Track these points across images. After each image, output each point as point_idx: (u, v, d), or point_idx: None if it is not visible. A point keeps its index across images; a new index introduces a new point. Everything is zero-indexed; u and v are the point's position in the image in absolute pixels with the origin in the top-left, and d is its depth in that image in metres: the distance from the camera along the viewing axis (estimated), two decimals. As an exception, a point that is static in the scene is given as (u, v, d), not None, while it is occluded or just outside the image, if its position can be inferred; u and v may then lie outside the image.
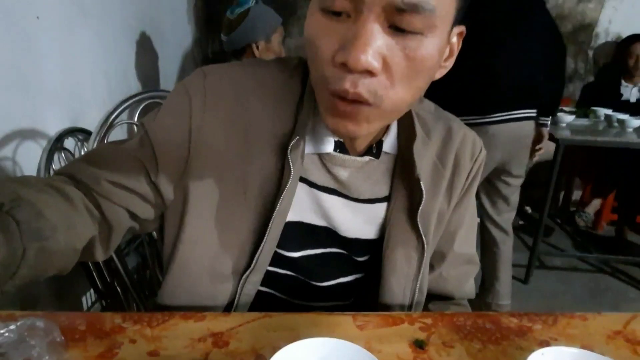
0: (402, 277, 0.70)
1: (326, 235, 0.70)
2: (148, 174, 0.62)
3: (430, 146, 0.70)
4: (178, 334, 0.62)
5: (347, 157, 0.66)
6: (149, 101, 1.12)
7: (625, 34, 3.21)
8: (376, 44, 0.47)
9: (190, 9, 2.95)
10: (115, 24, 1.86)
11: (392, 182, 0.70)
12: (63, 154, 1.44)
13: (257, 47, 1.77)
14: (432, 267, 0.78)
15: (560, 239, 3.14)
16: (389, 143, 0.68)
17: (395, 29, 0.48)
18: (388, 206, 0.70)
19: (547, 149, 2.30)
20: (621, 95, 3.11)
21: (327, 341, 0.52)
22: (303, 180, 0.67)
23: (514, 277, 2.59)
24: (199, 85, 0.62)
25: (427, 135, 0.70)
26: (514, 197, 2.10)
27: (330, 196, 0.68)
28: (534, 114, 1.89)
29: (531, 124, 1.92)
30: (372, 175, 0.69)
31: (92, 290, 1.55)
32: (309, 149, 0.66)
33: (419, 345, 0.61)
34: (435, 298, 0.80)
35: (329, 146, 0.65)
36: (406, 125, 0.68)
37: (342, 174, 0.67)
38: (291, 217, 0.67)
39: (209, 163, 0.63)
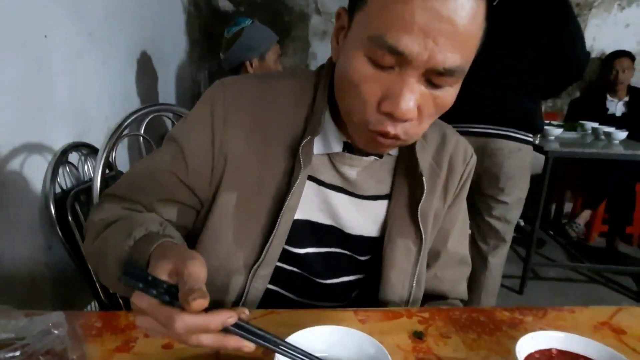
0: (401, 271, 0.75)
1: (331, 234, 0.75)
2: (183, 182, 0.71)
3: (427, 149, 0.77)
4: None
5: (355, 156, 0.72)
6: (153, 115, 1.16)
7: (609, 50, 3.33)
8: (417, 98, 0.55)
9: (189, 31, 3.03)
10: (118, 45, 1.92)
11: (394, 181, 0.76)
12: (67, 168, 1.49)
13: (251, 65, 1.83)
14: (428, 266, 0.82)
15: (553, 250, 3.19)
16: None
17: (430, 83, 0.56)
18: (389, 204, 0.76)
19: (537, 163, 2.35)
20: (607, 109, 3.21)
21: (334, 329, 0.56)
22: (312, 179, 0.72)
23: (509, 289, 2.63)
24: (219, 99, 0.70)
25: (424, 139, 0.77)
26: (501, 228, 1.92)
27: (337, 194, 0.74)
28: (505, 132, 1.74)
29: (500, 142, 1.75)
30: (376, 174, 0.75)
31: (95, 302, 1.56)
32: (318, 149, 0.71)
33: (417, 336, 0.65)
34: (431, 299, 0.85)
35: (338, 146, 0.71)
36: None
37: (350, 172, 0.73)
38: (299, 215, 0.72)
39: (231, 169, 0.70)
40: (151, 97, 2.32)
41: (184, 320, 0.44)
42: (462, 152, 0.80)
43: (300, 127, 0.70)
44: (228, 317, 0.46)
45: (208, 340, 0.46)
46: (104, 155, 1.05)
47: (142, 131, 1.21)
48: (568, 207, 3.70)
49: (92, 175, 1.60)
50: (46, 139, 1.39)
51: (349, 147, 0.71)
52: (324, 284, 0.76)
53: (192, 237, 0.74)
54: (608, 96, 3.21)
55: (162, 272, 0.48)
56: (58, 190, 1.41)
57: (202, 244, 0.72)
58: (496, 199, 1.85)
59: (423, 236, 0.74)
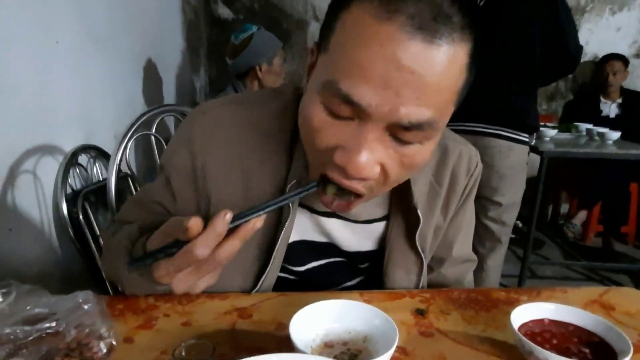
0: (401, 286, 0.77)
1: (329, 249, 0.76)
2: (170, 212, 0.72)
3: (425, 168, 0.72)
4: (206, 309, 0.69)
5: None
6: (163, 115, 1.21)
7: (601, 53, 3.40)
8: (377, 155, 0.50)
9: (189, 38, 3.09)
10: (123, 52, 1.97)
11: (390, 205, 0.74)
12: (77, 169, 1.53)
13: (260, 70, 1.90)
14: (431, 269, 0.83)
15: (550, 251, 3.24)
16: None
17: (396, 139, 0.50)
18: (387, 224, 0.75)
19: (533, 164, 2.39)
20: (601, 111, 3.27)
21: (343, 302, 0.60)
22: (303, 206, 0.72)
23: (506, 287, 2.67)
24: (198, 128, 0.68)
25: None
26: (496, 229, 1.92)
27: (330, 219, 0.72)
28: (496, 131, 1.75)
29: (491, 141, 1.76)
30: (370, 201, 0.66)
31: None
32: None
33: (420, 313, 0.70)
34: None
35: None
36: None
37: None
38: (295, 237, 0.72)
39: (214, 197, 0.69)
40: (153, 101, 2.37)
41: (197, 244, 0.45)
42: (465, 163, 0.76)
43: (285, 162, 0.67)
44: (224, 215, 0.46)
45: (231, 246, 0.47)
46: (119, 153, 1.09)
47: (153, 130, 1.26)
48: (564, 208, 3.75)
49: (100, 176, 1.65)
50: (57, 141, 1.43)
51: None
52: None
53: None
54: (602, 98, 3.27)
55: (157, 243, 0.52)
56: (69, 191, 1.45)
57: None
58: (490, 200, 1.86)
59: (423, 259, 0.75)
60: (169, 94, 2.65)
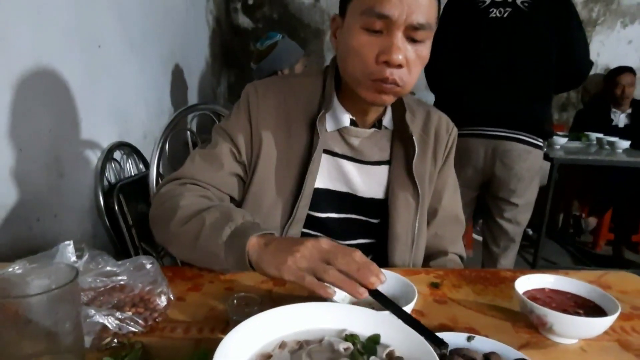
0: (404, 222, 0.90)
1: (347, 200, 0.92)
2: (237, 160, 0.89)
3: (415, 122, 0.95)
4: (245, 278, 0.79)
5: (359, 129, 0.90)
6: (199, 112, 1.32)
7: (612, 65, 3.46)
8: (403, 49, 0.74)
9: (211, 45, 3.23)
10: (153, 57, 2.10)
11: (392, 149, 0.93)
12: (113, 165, 1.64)
13: (282, 74, 2.00)
14: (428, 224, 0.98)
15: (561, 258, 3.27)
16: (387, 120, 0.92)
17: (411, 39, 0.75)
18: (390, 167, 0.93)
19: (543, 173, 2.44)
20: (611, 120, 3.32)
21: (367, 269, 0.69)
22: (328, 152, 0.90)
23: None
24: (252, 96, 0.90)
25: (413, 115, 0.94)
26: (512, 230, 1.97)
27: (348, 162, 0.91)
28: (515, 135, 1.81)
29: (511, 145, 1.81)
30: (377, 143, 0.92)
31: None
32: (330, 126, 0.90)
33: (434, 286, 0.78)
34: (433, 257, 1.00)
35: (346, 121, 0.89)
36: (398, 108, 0.91)
37: (356, 142, 0.91)
38: (320, 184, 0.90)
39: (265, 144, 0.88)
40: (179, 104, 2.49)
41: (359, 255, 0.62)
42: (444, 125, 0.98)
43: (316, 108, 0.89)
44: (379, 276, 0.60)
45: (346, 283, 0.58)
46: (160, 145, 1.20)
47: (189, 125, 1.37)
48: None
49: (132, 172, 1.76)
50: (95, 137, 1.55)
51: (354, 123, 0.90)
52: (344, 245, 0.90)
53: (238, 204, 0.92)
54: (612, 108, 3.32)
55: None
56: (105, 183, 1.57)
57: (246, 209, 0.87)
58: (508, 201, 1.92)
59: (420, 191, 0.90)
60: (192, 98, 2.78)
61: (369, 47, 0.75)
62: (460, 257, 1.03)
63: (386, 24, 0.73)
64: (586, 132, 3.05)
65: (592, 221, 3.27)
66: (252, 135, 0.89)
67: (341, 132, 0.91)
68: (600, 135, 2.88)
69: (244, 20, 3.67)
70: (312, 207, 0.89)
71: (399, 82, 0.76)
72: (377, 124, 0.92)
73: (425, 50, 0.78)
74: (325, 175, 0.90)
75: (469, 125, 1.82)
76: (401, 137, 0.92)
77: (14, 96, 1.12)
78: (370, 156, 0.92)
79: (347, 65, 0.81)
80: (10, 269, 0.53)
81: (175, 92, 2.42)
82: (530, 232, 3.69)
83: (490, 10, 1.78)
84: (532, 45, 1.78)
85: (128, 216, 1.56)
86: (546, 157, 2.52)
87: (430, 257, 1.00)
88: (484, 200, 2.04)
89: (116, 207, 1.53)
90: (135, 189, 1.67)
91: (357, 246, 0.91)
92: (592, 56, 3.59)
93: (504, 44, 1.77)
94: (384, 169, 0.93)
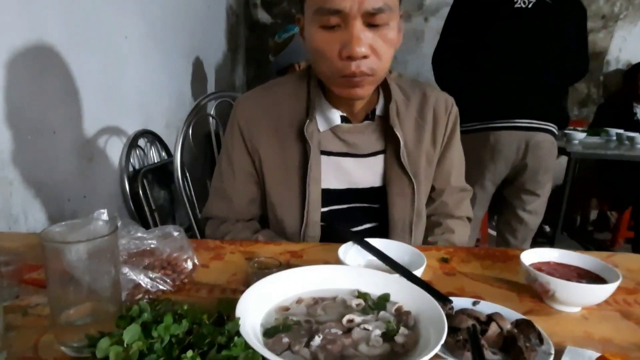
0: (400, 208, 0.92)
1: (349, 194, 0.94)
2: (249, 181, 0.95)
3: (410, 107, 0.95)
4: (264, 251, 0.84)
5: (351, 125, 0.92)
6: (220, 100, 1.38)
7: (634, 61, 3.40)
8: (364, 38, 0.74)
9: (229, 41, 3.29)
10: (175, 50, 2.17)
11: (386, 138, 0.93)
12: (137, 151, 1.71)
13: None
14: (433, 200, 1.01)
15: (578, 255, 3.24)
16: (380, 108, 0.93)
17: (371, 26, 0.75)
18: (385, 157, 0.94)
19: (560, 169, 2.41)
20: (634, 115, 3.27)
21: (380, 240, 0.73)
22: (324, 152, 0.92)
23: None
24: (240, 114, 0.93)
25: (407, 99, 0.95)
26: (532, 221, 1.99)
27: (345, 158, 0.93)
28: (545, 126, 1.82)
29: (543, 136, 1.82)
30: (372, 135, 0.93)
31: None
32: (323, 127, 0.91)
33: (444, 260, 0.82)
34: (436, 221, 1.02)
35: (337, 120, 0.91)
36: (385, 96, 0.92)
37: (350, 138, 0.92)
38: (322, 186, 0.91)
39: (263, 159, 0.92)
40: (199, 96, 2.55)
41: None
42: (442, 104, 0.97)
43: (304, 114, 0.90)
44: None
45: None
46: (183, 131, 1.26)
47: (212, 111, 1.43)
48: (594, 215, 3.74)
49: (154, 159, 1.83)
50: (121, 124, 1.62)
51: (346, 119, 0.92)
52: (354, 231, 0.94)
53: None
54: (634, 103, 3.27)
55: None
56: (130, 169, 1.64)
57: (270, 220, 0.97)
58: (533, 193, 1.93)
59: (413, 180, 0.91)
60: (212, 91, 2.85)
61: (330, 45, 0.76)
62: (468, 218, 1.07)
63: (341, 18, 0.73)
64: (606, 128, 3.02)
65: (614, 215, 3.24)
66: (250, 153, 0.93)
67: (334, 130, 0.92)
68: (621, 131, 2.84)
69: (262, 16, 3.72)
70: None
71: (368, 72, 0.77)
72: (370, 114, 0.92)
73: (391, 32, 0.77)
74: (326, 176, 0.92)
75: (500, 118, 1.80)
76: (393, 129, 0.92)
77: (48, 80, 1.19)
78: (366, 149, 0.93)
79: (316, 66, 0.83)
80: (52, 228, 0.58)
81: (196, 85, 2.49)
82: (547, 228, 3.67)
83: (516, 0, 1.78)
84: (555, 37, 1.79)
85: (151, 200, 1.63)
86: (563, 151, 2.51)
87: (434, 223, 1.02)
88: (503, 194, 2.04)
89: (140, 192, 1.60)
90: (158, 175, 1.74)
91: (363, 231, 0.96)
92: (614, 52, 3.58)
93: (529, 35, 1.77)
94: (380, 159, 0.94)
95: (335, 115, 0.91)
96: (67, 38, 1.26)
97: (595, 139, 2.89)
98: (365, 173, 0.94)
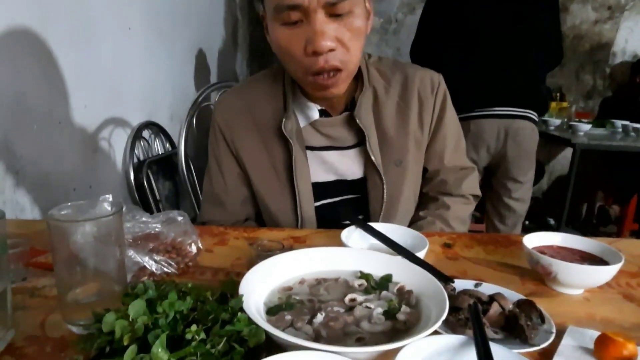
0: (375, 200, 0.91)
1: (338, 186, 0.93)
2: (238, 183, 0.95)
3: (391, 92, 0.92)
4: (267, 236, 0.84)
5: (329, 118, 0.90)
6: (223, 90, 1.38)
7: (641, 52, 3.38)
8: (328, 31, 0.71)
9: (234, 35, 3.29)
10: (180, 44, 2.17)
11: (364, 132, 0.89)
12: (142, 143, 1.72)
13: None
14: (432, 180, 0.99)
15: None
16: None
17: (335, 16, 0.72)
18: (364, 148, 0.90)
19: (565, 162, 2.41)
20: (640, 105, 3.24)
21: (382, 225, 0.74)
22: (309, 148, 0.90)
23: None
24: (219, 114, 0.94)
25: (387, 83, 0.92)
26: (519, 208, 2.01)
27: (329, 152, 0.92)
28: (524, 113, 1.84)
29: (522, 123, 1.85)
30: (352, 127, 0.90)
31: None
32: (303, 122, 0.90)
33: (447, 245, 0.82)
34: (433, 196, 1.00)
35: (314, 115, 0.90)
36: (359, 86, 0.89)
37: (330, 131, 0.90)
38: (313, 179, 0.91)
39: (247, 159, 0.91)
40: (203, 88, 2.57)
41: None
42: (428, 85, 0.93)
43: (281, 112, 0.89)
44: None
45: None
46: (187, 120, 1.27)
47: (214, 100, 1.44)
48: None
49: (159, 150, 1.84)
50: (126, 115, 1.63)
51: (325, 113, 0.90)
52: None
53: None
54: (640, 96, 3.25)
55: None
56: (135, 160, 1.65)
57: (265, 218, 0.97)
58: (516, 180, 1.95)
59: (382, 173, 0.88)
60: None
61: (294, 42, 0.73)
62: (474, 195, 1.02)
63: (301, 12, 0.70)
64: (612, 120, 3.00)
65: (616, 209, 3.22)
66: (234, 154, 0.93)
67: (313, 125, 0.90)
68: (627, 122, 2.82)
69: (266, 9, 3.71)
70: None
71: (339, 65, 0.74)
72: (350, 105, 0.90)
73: (357, 20, 0.74)
74: (313, 170, 0.91)
75: (480, 107, 1.84)
76: (374, 116, 0.90)
77: (52, 71, 1.20)
78: (348, 141, 0.91)
79: (285, 65, 0.81)
80: (58, 208, 0.59)
81: (199, 78, 2.49)
82: (551, 221, 3.66)
83: None
84: (531, 24, 1.81)
85: (156, 191, 1.64)
86: (568, 142, 2.50)
87: (432, 199, 1.00)
88: (489, 183, 2.06)
89: (145, 183, 1.61)
90: (162, 167, 1.75)
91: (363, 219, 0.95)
92: (620, 43, 3.55)
93: (506, 23, 1.79)
94: (361, 150, 0.92)
95: (314, 110, 0.90)
96: (71, 29, 1.27)
97: (600, 131, 2.88)
98: (350, 165, 0.93)
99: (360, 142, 0.91)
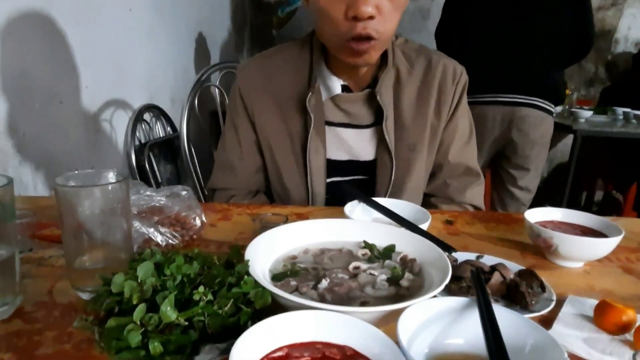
0: (381, 183, 0.92)
1: (349, 166, 0.94)
2: (253, 150, 0.96)
3: (414, 75, 0.92)
4: (271, 212, 0.85)
5: (351, 94, 0.90)
6: (225, 71, 1.38)
7: (644, 39, 3.36)
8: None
9: (234, 18, 3.26)
10: (181, 26, 2.16)
11: (382, 113, 0.89)
12: (143, 125, 1.72)
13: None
14: (434, 175, 0.98)
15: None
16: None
17: None
18: (380, 128, 0.90)
19: (565, 149, 2.41)
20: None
21: (385, 200, 0.74)
22: (328, 123, 0.91)
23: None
24: (240, 81, 0.94)
25: (411, 67, 0.92)
26: (523, 197, 1.99)
27: (346, 130, 0.92)
28: (531, 101, 1.82)
29: (527, 111, 1.82)
30: (372, 105, 0.91)
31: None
32: (324, 96, 0.90)
33: (449, 222, 0.83)
34: (434, 204, 0.99)
35: (338, 89, 0.89)
36: (383, 65, 0.89)
37: (350, 108, 0.91)
38: (327, 156, 0.91)
39: (265, 128, 0.92)
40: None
41: None
42: (450, 74, 0.92)
43: (306, 83, 0.89)
44: None
45: None
46: (189, 102, 1.26)
47: (217, 82, 1.43)
48: (599, 195, 3.74)
49: (159, 133, 1.84)
50: (128, 98, 1.63)
51: (347, 88, 0.90)
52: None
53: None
54: (642, 83, 3.23)
55: None
56: (136, 142, 1.65)
57: (275, 190, 0.98)
58: (521, 167, 1.94)
59: (392, 154, 0.89)
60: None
61: (335, 5, 0.73)
62: (475, 207, 0.98)
63: None
64: (613, 107, 2.99)
65: (616, 196, 3.23)
66: (252, 121, 0.93)
67: (334, 100, 0.90)
68: (628, 110, 2.82)
69: (267, -6, 3.68)
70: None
71: (374, 35, 0.74)
72: (373, 83, 0.89)
73: None
74: (327, 146, 0.91)
75: (484, 92, 1.82)
76: (395, 97, 0.90)
77: (54, 51, 1.20)
78: (365, 119, 0.91)
79: (320, 29, 0.81)
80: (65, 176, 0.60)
81: (201, 61, 2.48)
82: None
83: None
84: (547, 11, 1.78)
85: (157, 173, 1.65)
86: (569, 129, 2.50)
87: (431, 206, 0.98)
88: (495, 170, 2.06)
89: (147, 165, 1.61)
90: (164, 150, 1.75)
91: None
92: (623, 30, 3.52)
93: (519, 9, 1.77)
94: (377, 130, 0.91)
95: (336, 84, 0.89)
96: (74, 10, 1.26)
97: (602, 118, 2.87)
98: (365, 145, 0.92)
99: (377, 121, 0.91)
